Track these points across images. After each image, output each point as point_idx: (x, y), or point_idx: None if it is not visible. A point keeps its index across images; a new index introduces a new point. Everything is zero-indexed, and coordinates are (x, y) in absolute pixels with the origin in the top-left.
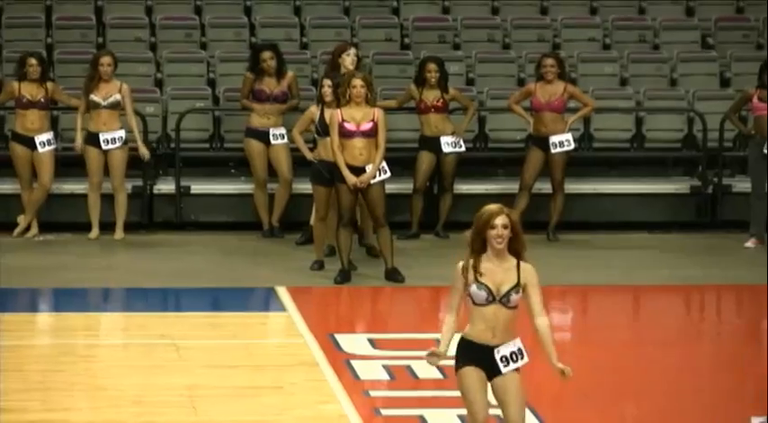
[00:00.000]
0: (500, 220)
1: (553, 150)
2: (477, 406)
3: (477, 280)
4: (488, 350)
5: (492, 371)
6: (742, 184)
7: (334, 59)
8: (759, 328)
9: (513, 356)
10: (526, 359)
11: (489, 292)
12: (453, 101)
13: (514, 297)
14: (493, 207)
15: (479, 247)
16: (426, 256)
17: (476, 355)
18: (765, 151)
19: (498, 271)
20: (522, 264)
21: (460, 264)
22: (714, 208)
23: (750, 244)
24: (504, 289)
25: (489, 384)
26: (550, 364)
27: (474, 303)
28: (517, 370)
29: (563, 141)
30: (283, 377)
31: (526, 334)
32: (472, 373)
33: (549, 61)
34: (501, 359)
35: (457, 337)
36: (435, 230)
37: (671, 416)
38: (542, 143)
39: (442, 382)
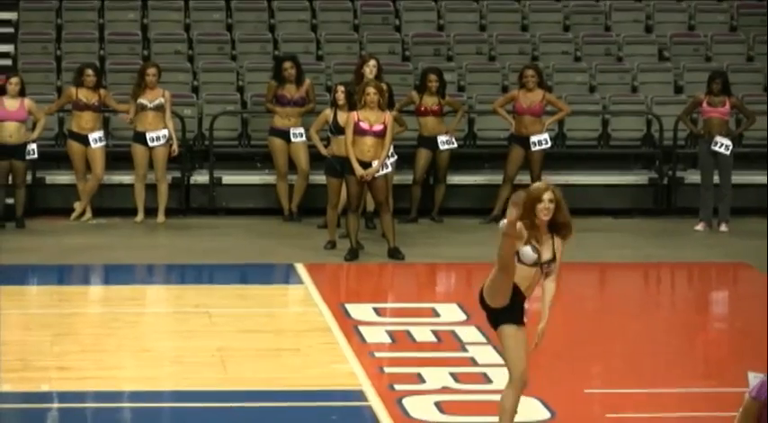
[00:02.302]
0: (547, 196)
1: (533, 148)
2: (523, 362)
3: (530, 243)
4: (522, 298)
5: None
6: (693, 177)
7: (359, 69)
8: (707, 299)
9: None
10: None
11: (538, 255)
12: (447, 105)
13: (550, 267)
14: (541, 184)
15: (529, 219)
16: (423, 237)
17: (514, 305)
18: (712, 148)
19: (543, 240)
20: (555, 238)
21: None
22: (669, 197)
23: (700, 227)
24: (546, 258)
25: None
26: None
27: (519, 261)
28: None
29: (541, 140)
30: (301, 341)
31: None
32: (517, 330)
33: (530, 72)
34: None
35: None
36: (431, 215)
37: (631, 374)
38: (523, 142)
39: (437, 344)
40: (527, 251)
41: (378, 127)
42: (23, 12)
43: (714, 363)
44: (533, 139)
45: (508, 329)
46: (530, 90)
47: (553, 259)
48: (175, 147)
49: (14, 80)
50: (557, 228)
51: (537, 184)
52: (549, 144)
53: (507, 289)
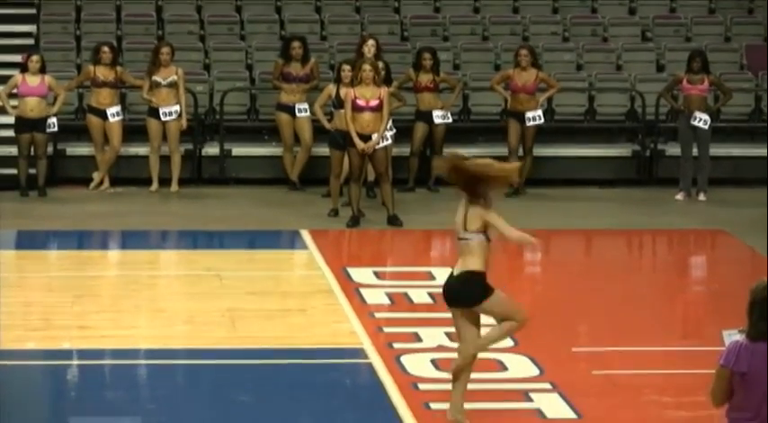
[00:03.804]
0: None
1: (528, 124)
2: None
3: None
4: None
5: None
6: (673, 149)
7: (359, 48)
8: (686, 264)
9: None
10: None
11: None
12: (443, 82)
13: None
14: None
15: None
16: (420, 205)
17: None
18: (692, 123)
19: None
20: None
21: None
22: (651, 168)
23: (679, 197)
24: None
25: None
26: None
27: (488, 240)
28: None
29: (536, 117)
30: (305, 302)
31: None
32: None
33: (524, 52)
34: None
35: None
36: (428, 185)
37: (616, 334)
38: (518, 117)
39: (432, 305)
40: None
41: (374, 102)
42: None
43: (693, 323)
44: (528, 114)
45: (499, 291)
46: (524, 69)
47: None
48: (184, 122)
49: (35, 58)
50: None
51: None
52: (543, 120)
53: None
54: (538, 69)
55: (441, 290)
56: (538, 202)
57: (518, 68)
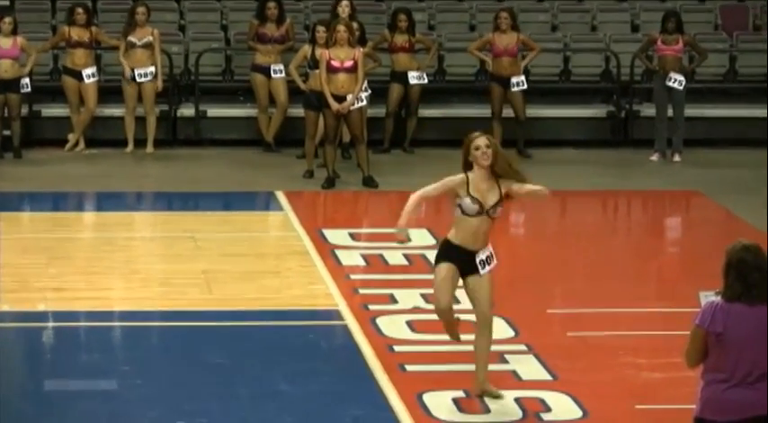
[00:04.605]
0: (482, 141)
1: (512, 89)
2: (442, 293)
3: (470, 194)
4: (469, 253)
5: (467, 270)
6: (648, 110)
7: (334, 8)
8: (662, 225)
9: (488, 260)
10: (496, 261)
11: (480, 205)
12: (418, 43)
13: (499, 210)
14: (476, 133)
15: (468, 166)
16: (396, 166)
17: (456, 255)
18: (667, 84)
19: (485, 188)
20: (500, 180)
21: (461, 175)
22: (626, 129)
23: (654, 158)
24: (491, 203)
25: (463, 281)
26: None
27: (463, 213)
28: (489, 271)
29: (519, 82)
30: (281, 263)
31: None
32: (448, 268)
33: (504, 14)
34: (480, 262)
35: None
36: (403, 146)
37: (590, 295)
38: (502, 81)
39: (407, 267)
40: (467, 203)
41: (348, 63)
42: None
43: (668, 284)
44: (513, 80)
45: (441, 267)
46: (503, 32)
47: (500, 201)
48: (160, 83)
49: (8, 20)
50: (505, 179)
51: (473, 133)
52: (526, 85)
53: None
54: (517, 32)
55: (416, 252)
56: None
57: (498, 32)
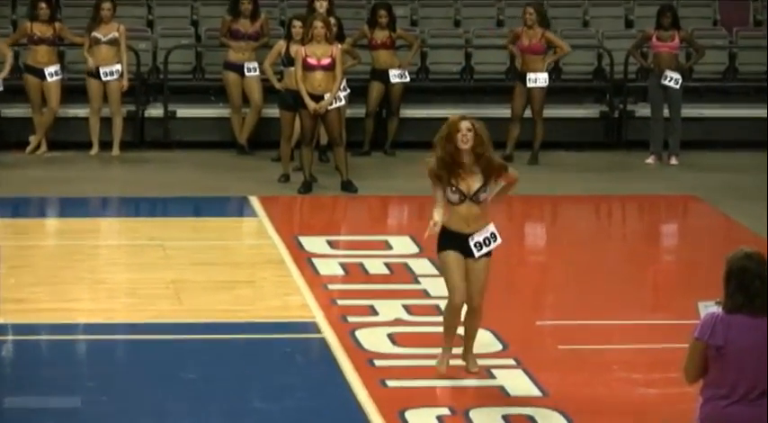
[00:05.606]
0: (464, 124)
1: (528, 85)
2: (457, 289)
3: (450, 184)
4: (464, 237)
5: (465, 254)
6: (643, 110)
7: (311, 3)
8: (658, 231)
9: (486, 241)
10: (499, 240)
11: (461, 193)
12: (400, 39)
13: (483, 195)
14: (457, 116)
15: (451, 150)
16: (376, 170)
17: (453, 241)
18: (662, 82)
19: (467, 174)
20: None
21: (429, 167)
22: (620, 130)
23: (650, 160)
24: (474, 188)
25: None
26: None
27: (449, 201)
28: (489, 253)
29: (537, 79)
30: (255, 273)
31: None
32: (452, 257)
33: (530, 9)
34: (475, 245)
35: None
36: (384, 149)
37: (582, 306)
38: (524, 79)
39: (388, 276)
40: (448, 193)
41: (326, 61)
42: None
43: (665, 294)
44: (530, 76)
45: (444, 255)
46: (530, 27)
47: (483, 187)
48: (125, 82)
49: None
50: (486, 171)
51: (456, 115)
52: (546, 83)
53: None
54: (545, 29)
55: (398, 260)
56: None
57: (524, 27)
